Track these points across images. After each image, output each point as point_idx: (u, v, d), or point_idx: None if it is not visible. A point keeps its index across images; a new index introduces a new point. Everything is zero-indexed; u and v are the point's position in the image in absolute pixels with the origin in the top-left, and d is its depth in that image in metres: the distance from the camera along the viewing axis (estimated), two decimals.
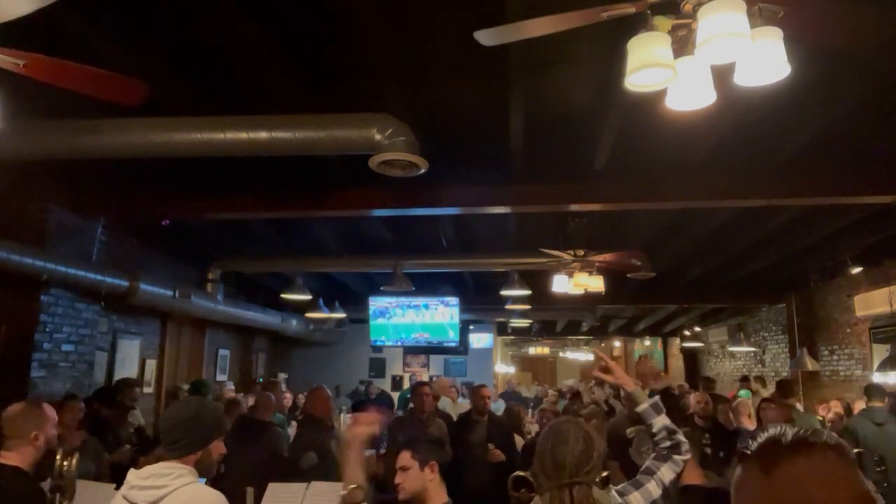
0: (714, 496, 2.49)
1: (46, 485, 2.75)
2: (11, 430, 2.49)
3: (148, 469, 1.99)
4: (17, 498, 2.42)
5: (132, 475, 2.00)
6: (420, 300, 10.21)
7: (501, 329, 15.30)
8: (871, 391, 5.59)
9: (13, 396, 4.55)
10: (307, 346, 12.59)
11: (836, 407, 6.57)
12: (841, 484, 0.87)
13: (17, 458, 2.46)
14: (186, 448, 2.05)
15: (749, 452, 0.93)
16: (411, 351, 12.98)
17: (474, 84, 3.69)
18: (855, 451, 3.93)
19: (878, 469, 4.79)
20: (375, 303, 10.33)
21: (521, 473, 4.11)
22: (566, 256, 6.39)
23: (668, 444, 2.30)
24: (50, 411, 2.68)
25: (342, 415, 8.19)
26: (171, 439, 2.05)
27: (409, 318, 10.35)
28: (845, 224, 6.05)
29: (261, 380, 9.92)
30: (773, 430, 0.94)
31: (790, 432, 0.92)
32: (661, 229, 6.66)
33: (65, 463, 2.76)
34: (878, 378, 6.98)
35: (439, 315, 10.28)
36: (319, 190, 5.06)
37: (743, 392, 9.62)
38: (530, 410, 9.39)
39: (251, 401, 7.68)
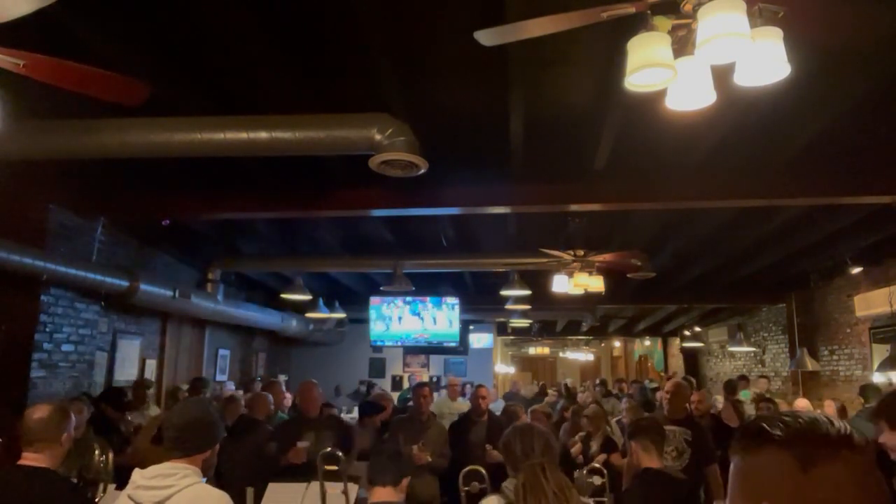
0: (670, 481, 2.72)
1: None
2: (43, 433, 2.47)
3: (153, 469, 2.00)
4: (55, 498, 2.42)
5: (137, 475, 2.01)
6: (420, 300, 10.22)
7: (501, 329, 15.29)
8: (868, 391, 5.61)
9: (13, 396, 4.59)
10: (307, 346, 12.58)
11: (830, 408, 6.55)
12: (873, 489, 0.81)
13: (47, 459, 2.45)
14: (200, 447, 2.08)
15: (778, 437, 0.82)
16: (411, 351, 12.98)
17: (474, 84, 3.69)
18: None
19: None
20: (375, 303, 10.34)
21: (473, 467, 4.18)
22: (566, 256, 6.39)
23: None
24: (71, 412, 2.70)
25: (342, 414, 8.22)
26: (185, 437, 2.06)
27: (409, 319, 10.35)
28: (845, 224, 6.05)
29: (259, 379, 9.90)
30: (808, 417, 0.84)
31: (832, 426, 0.82)
32: (661, 229, 6.66)
33: (101, 458, 2.79)
34: (878, 378, 6.99)
35: (440, 316, 10.29)
36: (319, 190, 5.06)
37: (743, 393, 9.63)
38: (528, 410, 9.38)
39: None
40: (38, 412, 2.54)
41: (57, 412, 2.56)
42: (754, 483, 0.84)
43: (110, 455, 2.94)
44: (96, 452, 2.83)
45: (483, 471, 4.13)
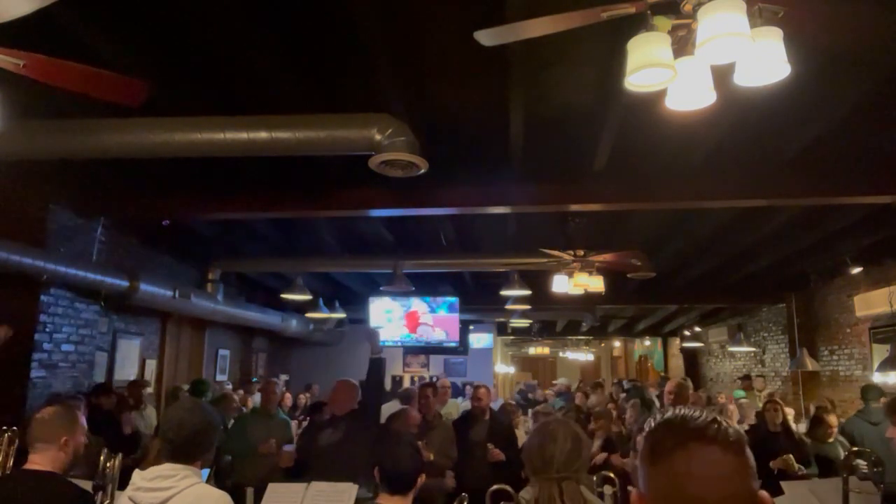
0: None
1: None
2: (41, 434, 2.42)
3: (153, 470, 2.00)
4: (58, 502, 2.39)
5: (137, 476, 2.01)
6: (419, 299, 10.23)
7: (501, 329, 15.29)
8: (869, 392, 5.60)
9: (13, 396, 4.59)
10: (307, 346, 12.58)
11: (792, 413, 6.49)
12: (717, 480, 0.89)
13: (48, 462, 2.40)
14: (207, 453, 2.09)
15: (719, 435, 0.90)
16: (411, 351, 12.98)
17: (474, 84, 3.69)
18: (854, 449, 3.91)
19: (876, 469, 4.77)
20: (375, 303, 10.34)
21: (498, 486, 3.85)
22: (566, 256, 6.39)
23: None
24: (81, 417, 2.61)
25: None
26: (185, 448, 2.04)
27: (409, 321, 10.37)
28: (845, 224, 6.05)
29: (255, 380, 9.90)
30: (675, 413, 0.94)
31: (691, 420, 0.91)
32: (661, 229, 6.67)
33: (108, 464, 2.74)
34: (878, 378, 6.98)
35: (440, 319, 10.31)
36: (319, 190, 5.06)
37: (740, 392, 9.64)
38: (530, 412, 9.38)
39: (250, 401, 7.73)
40: (40, 413, 2.50)
41: (56, 415, 2.50)
42: (710, 471, 0.89)
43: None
44: (101, 458, 2.76)
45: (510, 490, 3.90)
